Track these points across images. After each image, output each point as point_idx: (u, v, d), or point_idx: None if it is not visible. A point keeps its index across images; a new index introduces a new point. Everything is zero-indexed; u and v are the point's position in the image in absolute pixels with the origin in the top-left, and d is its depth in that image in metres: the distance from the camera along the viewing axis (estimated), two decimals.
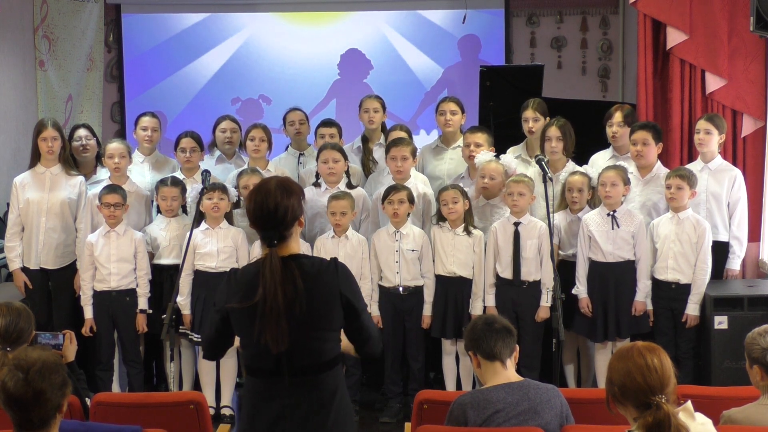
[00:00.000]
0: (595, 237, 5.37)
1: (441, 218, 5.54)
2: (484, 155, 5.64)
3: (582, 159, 5.87)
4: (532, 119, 5.91)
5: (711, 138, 5.59)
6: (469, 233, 5.48)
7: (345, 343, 3.16)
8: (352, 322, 3.08)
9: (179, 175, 5.90)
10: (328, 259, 3.08)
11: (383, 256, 5.52)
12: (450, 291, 5.49)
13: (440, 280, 5.52)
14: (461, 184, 5.66)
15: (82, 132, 6.02)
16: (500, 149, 5.88)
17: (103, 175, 5.93)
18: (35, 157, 5.73)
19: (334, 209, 5.45)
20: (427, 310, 5.52)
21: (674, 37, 6.03)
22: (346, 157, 5.80)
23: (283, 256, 2.98)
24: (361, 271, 5.51)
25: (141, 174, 6.09)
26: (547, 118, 5.88)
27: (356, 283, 3.14)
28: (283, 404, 2.99)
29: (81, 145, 5.99)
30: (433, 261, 5.53)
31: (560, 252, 5.50)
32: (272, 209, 2.98)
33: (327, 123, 6.28)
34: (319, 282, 2.99)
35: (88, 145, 5.99)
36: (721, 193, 5.58)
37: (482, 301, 5.46)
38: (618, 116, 5.82)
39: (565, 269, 5.38)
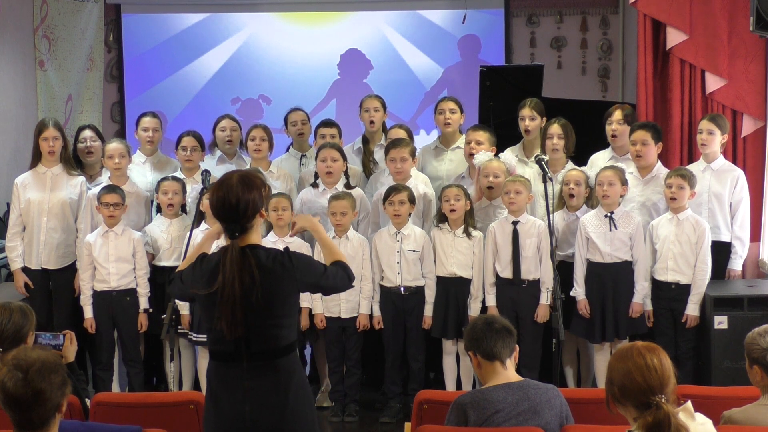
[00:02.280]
0: (592, 238, 5.37)
1: (441, 219, 5.54)
2: (483, 155, 5.64)
3: (581, 159, 5.87)
4: (528, 118, 5.90)
5: (714, 138, 5.58)
6: (468, 235, 5.48)
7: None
8: (318, 290, 3.44)
9: (180, 175, 5.90)
10: (282, 249, 3.28)
11: (384, 256, 5.52)
12: (451, 291, 5.50)
13: (441, 281, 5.52)
14: (462, 185, 5.65)
15: (87, 133, 6.02)
16: (500, 149, 5.88)
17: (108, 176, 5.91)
18: (36, 157, 5.74)
19: (334, 209, 5.45)
20: (428, 311, 5.52)
21: (674, 37, 6.03)
22: (344, 157, 5.80)
23: (242, 246, 3.16)
24: (362, 272, 5.51)
25: (143, 174, 6.09)
26: (544, 118, 5.88)
27: (310, 260, 3.40)
28: (243, 387, 3.17)
29: (86, 147, 5.98)
30: (434, 262, 5.53)
31: (558, 252, 5.49)
32: (234, 204, 3.16)
33: (327, 123, 6.27)
34: (275, 273, 3.17)
35: (92, 147, 5.99)
36: (723, 194, 5.58)
37: (480, 302, 5.46)
38: (618, 114, 5.81)
39: (563, 269, 5.37)
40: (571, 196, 5.51)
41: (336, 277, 3.36)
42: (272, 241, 5.35)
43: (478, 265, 5.47)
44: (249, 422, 3.16)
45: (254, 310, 3.12)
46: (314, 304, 5.51)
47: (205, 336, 5.37)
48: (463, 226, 5.49)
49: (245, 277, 3.09)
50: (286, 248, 3.28)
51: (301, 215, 3.90)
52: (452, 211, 5.44)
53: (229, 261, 3.10)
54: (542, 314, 5.37)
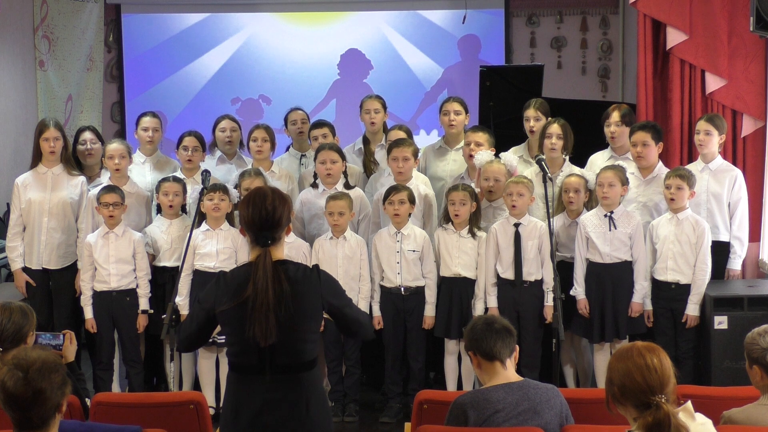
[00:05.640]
0: (592, 238, 5.36)
1: (446, 219, 5.53)
2: (484, 155, 5.63)
3: (581, 159, 5.87)
4: (533, 118, 5.91)
5: (711, 138, 5.58)
6: (473, 235, 5.47)
7: None
8: (340, 319, 3.36)
9: (180, 175, 5.89)
10: (311, 266, 3.31)
11: (384, 256, 5.52)
12: (455, 291, 5.49)
13: (444, 281, 5.52)
14: (471, 186, 5.63)
15: (87, 135, 6.01)
16: (500, 149, 5.88)
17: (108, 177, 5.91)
18: (37, 158, 5.74)
19: (332, 209, 5.44)
20: (429, 311, 5.52)
21: (674, 37, 6.03)
22: (344, 158, 5.79)
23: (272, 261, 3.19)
24: (360, 272, 5.51)
25: (142, 174, 6.09)
26: (549, 119, 5.88)
27: (338, 284, 3.38)
28: (264, 399, 3.19)
29: (86, 149, 5.98)
30: (438, 263, 5.53)
31: (557, 254, 5.48)
32: (270, 211, 3.23)
33: (318, 124, 6.24)
34: (304, 287, 3.21)
35: (93, 149, 5.98)
36: (721, 194, 5.58)
37: (484, 303, 5.46)
38: (615, 116, 5.81)
39: (563, 269, 5.37)
40: (570, 203, 5.51)
41: (361, 313, 3.46)
42: None
43: (482, 266, 5.47)
44: None
45: (282, 323, 3.14)
46: None
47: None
48: (467, 226, 5.48)
49: (277, 287, 3.13)
50: (316, 265, 3.32)
51: None
52: (456, 215, 5.44)
53: (263, 269, 3.14)
54: (550, 315, 5.34)
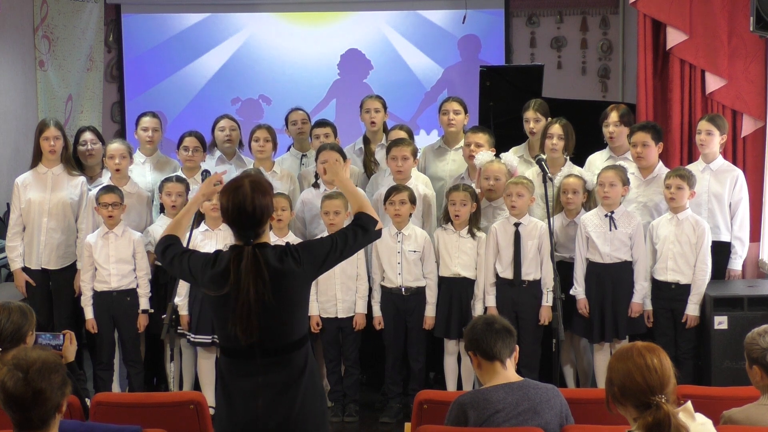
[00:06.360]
0: (592, 238, 5.36)
1: (446, 219, 5.53)
2: (485, 155, 5.63)
3: (581, 159, 5.86)
4: (533, 120, 5.91)
5: (712, 138, 5.59)
6: (473, 235, 5.47)
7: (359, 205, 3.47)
8: (337, 262, 3.32)
9: (180, 175, 5.89)
10: (284, 245, 3.27)
11: (385, 256, 5.51)
12: (455, 291, 5.49)
13: (444, 281, 5.51)
14: (471, 186, 5.63)
15: (88, 136, 6.01)
16: (500, 149, 5.87)
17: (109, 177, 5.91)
18: (37, 157, 5.73)
19: (327, 209, 5.44)
20: (430, 311, 5.51)
21: (674, 37, 6.03)
22: (345, 158, 5.79)
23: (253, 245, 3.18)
24: (357, 271, 5.51)
25: (142, 174, 6.08)
26: (549, 119, 5.87)
27: (313, 246, 3.31)
28: (257, 382, 3.18)
29: (87, 149, 5.98)
30: (438, 263, 5.53)
31: (556, 254, 5.47)
32: (251, 211, 3.17)
33: (321, 123, 6.26)
34: (284, 272, 3.17)
35: (93, 149, 5.98)
36: (722, 194, 5.58)
37: (483, 303, 5.46)
38: (614, 116, 5.81)
39: (562, 269, 5.36)
40: (569, 203, 5.50)
41: (348, 239, 3.32)
42: (273, 241, 5.34)
43: (481, 266, 5.47)
44: (261, 417, 3.18)
45: (266, 311, 3.13)
46: (310, 306, 5.50)
47: (204, 336, 5.39)
48: (467, 226, 5.48)
49: (258, 284, 3.09)
50: (288, 244, 3.27)
51: (331, 168, 4.05)
52: (456, 216, 5.44)
53: (244, 268, 3.10)
54: (545, 315, 5.35)
